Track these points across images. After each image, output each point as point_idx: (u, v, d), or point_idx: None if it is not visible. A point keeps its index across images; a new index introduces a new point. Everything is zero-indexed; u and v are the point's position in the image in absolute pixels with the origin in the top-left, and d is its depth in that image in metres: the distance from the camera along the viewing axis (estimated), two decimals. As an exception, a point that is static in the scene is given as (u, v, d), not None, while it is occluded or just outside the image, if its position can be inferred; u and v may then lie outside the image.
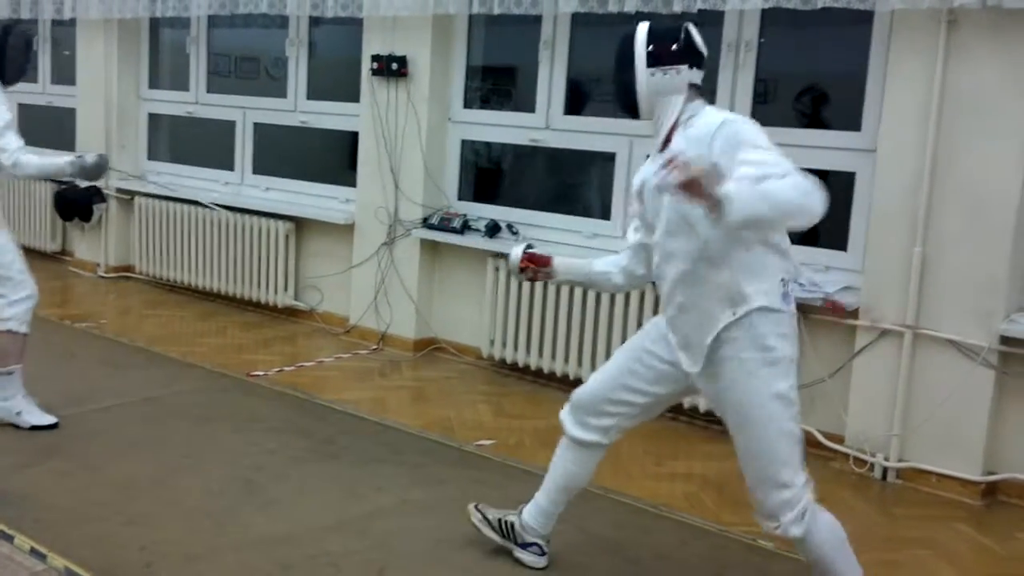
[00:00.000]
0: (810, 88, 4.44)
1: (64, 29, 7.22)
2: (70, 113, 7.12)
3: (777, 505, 2.49)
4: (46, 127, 7.60)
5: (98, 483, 3.43)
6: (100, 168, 3.84)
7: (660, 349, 2.66)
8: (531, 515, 2.93)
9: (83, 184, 6.80)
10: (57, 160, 3.87)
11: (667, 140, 2.54)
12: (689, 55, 2.51)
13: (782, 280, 2.47)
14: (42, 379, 4.53)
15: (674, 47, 2.49)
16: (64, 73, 7.33)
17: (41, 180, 5.52)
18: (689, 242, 2.48)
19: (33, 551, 2.91)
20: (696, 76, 2.54)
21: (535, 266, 2.85)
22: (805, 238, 4.48)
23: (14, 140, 3.79)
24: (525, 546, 2.95)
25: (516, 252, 2.89)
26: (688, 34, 2.53)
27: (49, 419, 3.92)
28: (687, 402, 4.31)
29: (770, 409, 2.45)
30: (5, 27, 3.96)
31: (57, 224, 7.20)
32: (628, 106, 2.59)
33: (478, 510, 3.04)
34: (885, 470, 3.84)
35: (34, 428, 3.86)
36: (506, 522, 2.98)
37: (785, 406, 2.46)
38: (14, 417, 3.87)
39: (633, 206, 2.74)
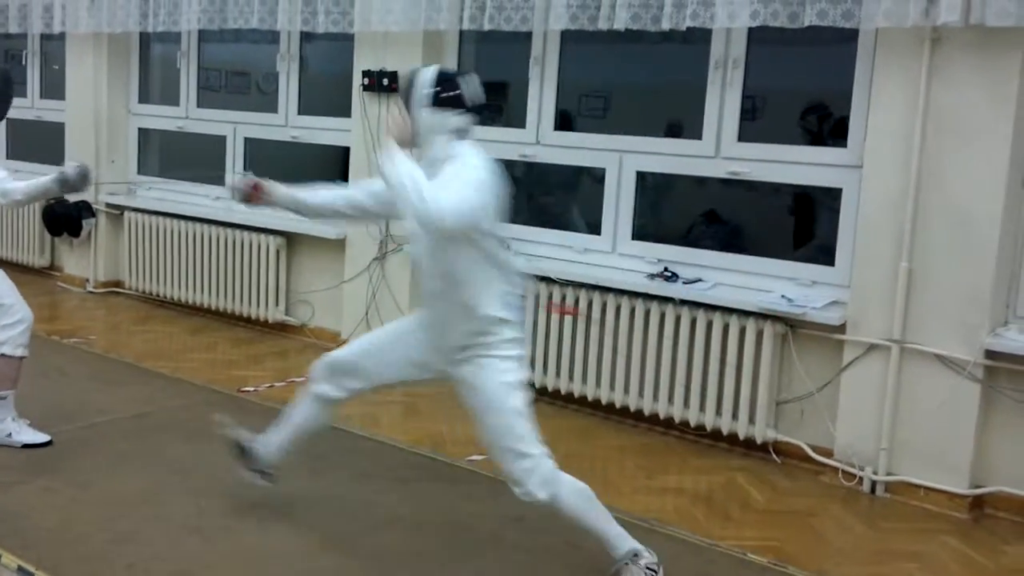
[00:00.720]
0: (816, 106, 4.45)
1: (53, 43, 7.22)
2: (59, 128, 7.10)
3: (522, 472, 2.87)
4: (35, 142, 7.59)
5: (86, 500, 3.42)
6: (84, 179, 3.79)
7: (414, 341, 3.07)
8: (266, 450, 3.30)
9: (72, 199, 6.81)
10: (41, 180, 3.83)
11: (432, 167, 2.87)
12: (461, 103, 2.83)
13: (508, 292, 2.91)
14: (31, 395, 4.50)
15: (451, 93, 2.82)
16: (53, 88, 7.33)
17: (34, 203, 5.39)
18: (434, 264, 2.90)
19: (21, 570, 2.90)
20: (464, 122, 2.85)
21: (255, 191, 3.26)
22: (792, 253, 4.53)
23: None
24: (256, 469, 3.33)
25: (238, 177, 3.33)
26: (467, 84, 2.87)
27: (42, 437, 3.92)
28: (677, 416, 4.33)
29: (505, 397, 2.89)
30: None
31: (46, 239, 7.17)
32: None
33: (221, 418, 3.42)
34: (874, 483, 3.86)
35: (27, 446, 3.85)
36: (242, 440, 3.35)
37: (515, 392, 2.91)
38: (5, 439, 3.86)
39: None
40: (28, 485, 3.51)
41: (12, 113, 7.75)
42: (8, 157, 7.81)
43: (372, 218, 3.37)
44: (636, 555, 2.90)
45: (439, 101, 2.80)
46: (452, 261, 2.86)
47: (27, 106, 7.57)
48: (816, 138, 4.37)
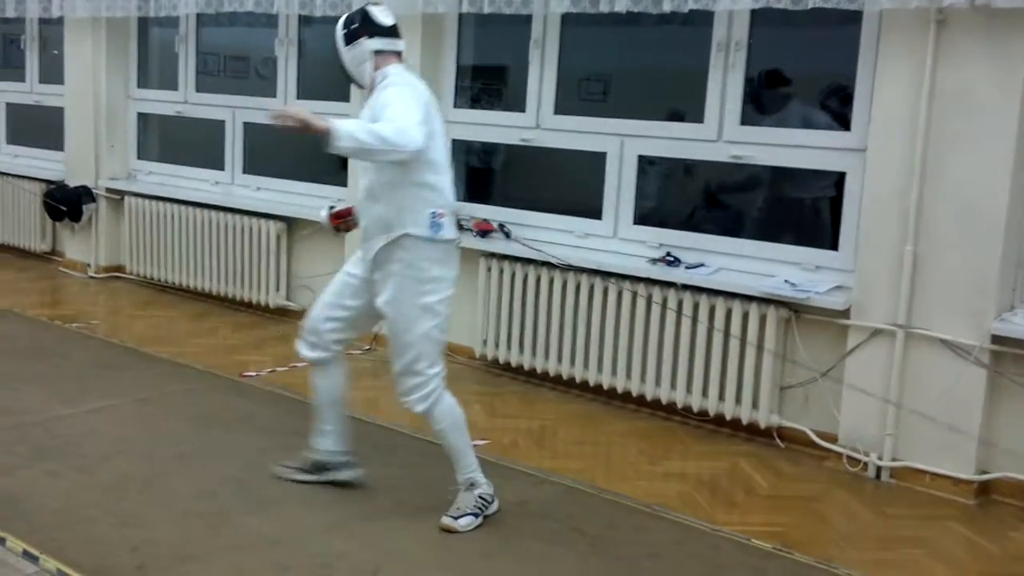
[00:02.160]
0: (839, 88, 4.39)
1: (52, 27, 7.17)
2: (58, 112, 7.06)
3: (409, 387, 3.15)
4: (34, 127, 7.56)
5: (90, 484, 3.41)
6: None
7: (355, 269, 3.27)
8: (323, 443, 3.44)
9: (72, 184, 6.79)
10: None
11: (370, 94, 3.18)
12: (367, 28, 3.15)
13: (432, 213, 3.07)
14: (33, 380, 4.52)
15: (355, 25, 3.16)
16: (52, 72, 7.28)
17: None
18: (364, 179, 3.18)
19: (26, 553, 2.90)
20: (379, 43, 3.16)
21: (341, 220, 3.47)
22: (796, 237, 4.51)
23: None
24: (338, 467, 3.45)
25: (323, 214, 3.51)
26: (366, 12, 3.19)
27: None
28: (680, 401, 4.32)
29: (415, 316, 3.09)
30: None
31: (47, 224, 7.14)
32: (348, 79, 3.28)
33: (281, 466, 3.52)
34: (879, 469, 3.85)
35: None
36: (311, 461, 3.46)
37: (429, 315, 3.10)
38: None
39: None
40: (32, 469, 3.51)
41: (11, 97, 7.81)
42: (8, 142, 7.80)
43: None
44: (473, 484, 3.19)
45: (351, 36, 3.17)
46: (374, 178, 3.11)
47: (26, 91, 7.54)
48: (840, 120, 4.28)
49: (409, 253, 3.07)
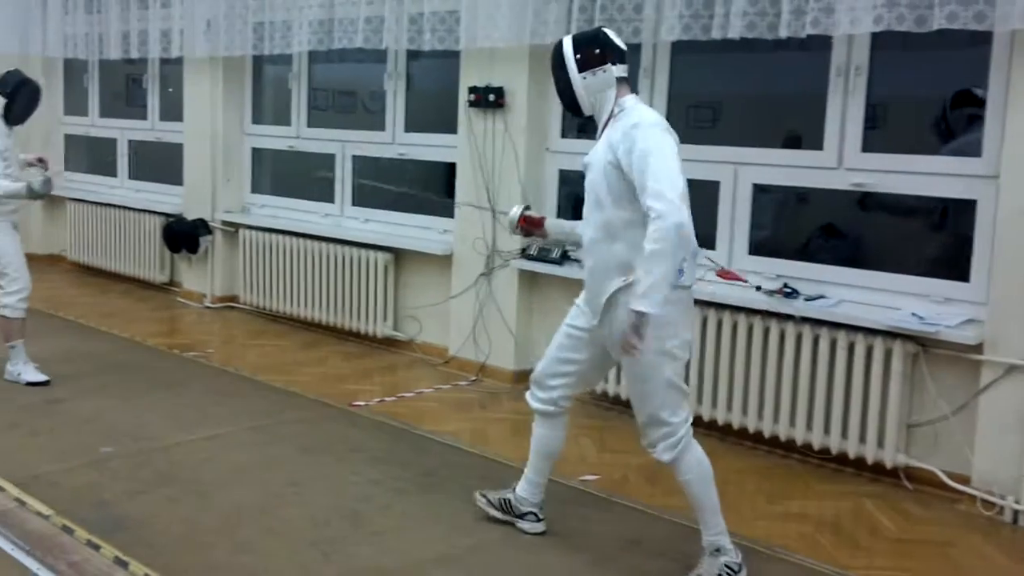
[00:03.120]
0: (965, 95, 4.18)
1: (171, 67, 7.52)
2: (178, 148, 7.38)
3: (657, 437, 2.99)
4: (155, 162, 7.91)
5: (207, 510, 3.49)
6: (47, 188, 4.69)
7: (577, 321, 3.16)
8: (522, 488, 3.37)
9: (190, 217, 7.06)
10: (14, 184, 4.70)
11: (605, 125, 3.01)
12: (611, 54, 2.96)
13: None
14: (153, 407, 4.67)
15: (597, 50, 2.95)
16: (171, 110, 7.63)
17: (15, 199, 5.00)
18: (597, 216, 2.98)
19: (149, 578, 2.97)
20: (621, 70, 2.98)
21: (529, 226, 3.39)
22: (924, 268, 4.30)
23: None
24: (522, 516, 3.36)
25: (515, 211, 3.41)
26: (607, 36, 3.00)
27: (42, 377, 4.89)
28: (800, 439, 4.15)
29: (655, 361, 2.90)
30: (23, 80, 4.86)
31: (166, 256, 7.44)
32: (572, 107, 3.06)
33: (482, 495, 3.46)
34: (1016, 513, 3.61)
35: (29, 384, 4.84)
36: (504, 499, 3.41)
37: (668, 360, 2.92)
38: (17, 377, 4.88)
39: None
40: (153, 494, 3.61)
41: (133, 135, 8.20)
42: (130, 177, 8.19)
43: None
44: (719, 550, 2.97)
45: (591, 62, 2.95)
46: (612, 215, 2.92)
47: (147, 128, 7.91)
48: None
49: None
